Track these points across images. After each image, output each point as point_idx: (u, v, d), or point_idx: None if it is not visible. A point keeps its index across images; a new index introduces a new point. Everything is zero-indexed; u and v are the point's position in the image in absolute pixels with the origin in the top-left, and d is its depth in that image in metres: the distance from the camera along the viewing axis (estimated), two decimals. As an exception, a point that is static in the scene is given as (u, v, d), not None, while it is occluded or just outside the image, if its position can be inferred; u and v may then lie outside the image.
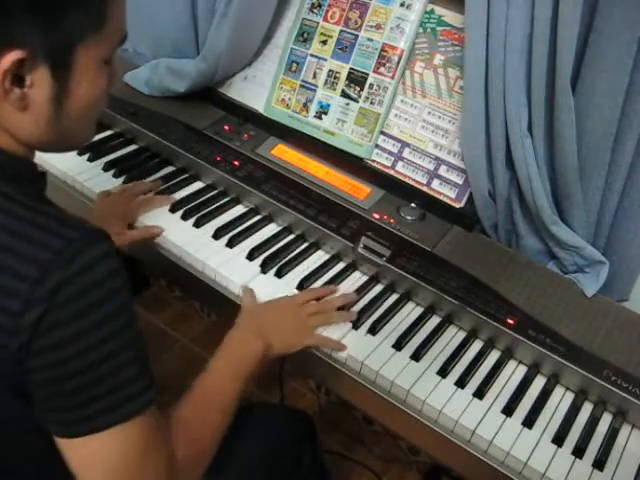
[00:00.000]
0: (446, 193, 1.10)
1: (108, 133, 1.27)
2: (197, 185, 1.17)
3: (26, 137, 0.62)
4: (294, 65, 1.24)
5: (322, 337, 0.90)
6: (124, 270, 0.59)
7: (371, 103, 1.16)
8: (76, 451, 0.60)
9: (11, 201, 0.57)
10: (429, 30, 1.12)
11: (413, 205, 1.10)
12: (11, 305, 0.54)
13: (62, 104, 0.61)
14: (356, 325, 0.93)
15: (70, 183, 1.14)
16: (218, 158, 1.16)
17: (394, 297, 1.00)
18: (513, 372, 0.92)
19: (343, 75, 1.18)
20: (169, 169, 1.20)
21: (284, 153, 1.19)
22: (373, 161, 1.17)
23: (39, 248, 0.54)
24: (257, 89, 1.28)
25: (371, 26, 1.16)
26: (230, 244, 1.04)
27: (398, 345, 0.91)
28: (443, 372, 0.89)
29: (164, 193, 1.13)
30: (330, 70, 1.20)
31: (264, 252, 1.03)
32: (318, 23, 1.21)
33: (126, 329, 0.59)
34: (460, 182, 1.09)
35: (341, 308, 0.94)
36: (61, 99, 0.61)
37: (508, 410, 0.85)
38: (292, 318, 0.91)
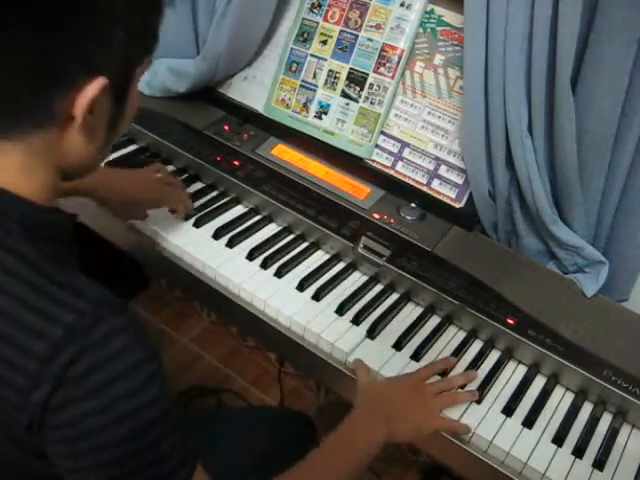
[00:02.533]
0: (446, 193, 1.10)
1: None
2: (197, 185, 1.17)
3: (71, 163, 0.60)
4: (294, 65, 1.24)
5: (450, 421, 0.82)
6: (147, 341, 0.55)
7: (371, 103, 1.16)
8: None
9: (28, 266, 0.54)
10: (429, 30, 1.12)
11: (413, 205, 1.10)
12: (19, 381, 0.51)
13: (116, 127, 0.60)
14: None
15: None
16: (218, 158, 1.16)
17: (394, 297, 1.00)
18: (513, 372, 0.92)
19: (343, 75, 1.18)
20: (169, 169, 1.20)
21: (284, 153, 1.19)
22: (373, 161, 1.17)
23: (50, 323, 0.51)
24: (257, 89, 1.28)
25: (371, 26, 1.16)
26: (230, 244, 1.04)
27: (398, 345, 0.91)
28: (443, 372, 0.88)
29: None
30: (330, 70, 1.20)
31: (264, 252, 1.03)
32: (318, 23, 1.21)
33: (151, 405, 0.54)
34: (460, 182, 1.09)
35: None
36: (116, 122, 0.60)
37: (508, 410, 0.85)
38: (417, 401, 0.82)
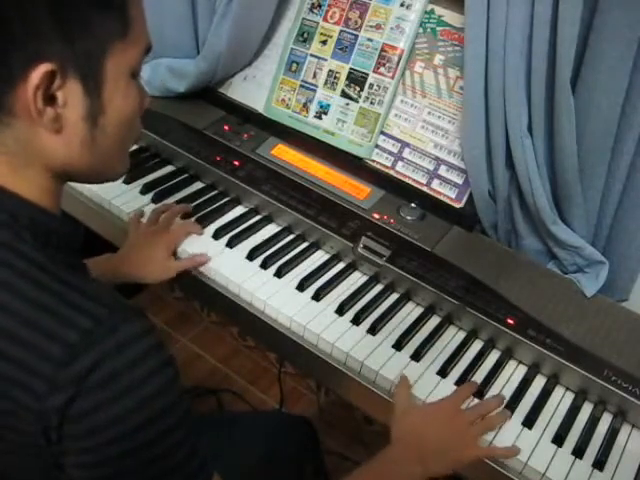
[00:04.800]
0: (446, 193, 1.10)
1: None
2: (197, 185, 1.17)
3: (59, 163, 0.58)
4: (294, 65, 1.24)
5: (489, 448, 0.81)
6: (164, 346, 0.55)
7: (371, 103, 1.16)
8: None
9: (40, 270, 0.53)
10: (429, 30, 1.12)
11: (413, 205, 1.10)
12: (34, 385, 0.50)
13: (97, 122, 0.58)
14: (357, 322, 0.94)
15: (70, 184, 1.14)
16: (218, 158, 1.16)
17: (394, 297, 1.00)
18: (513, 372, 0.92)
19: (343, 75, 1.18)
20: (169, 169, 1.20)
21: (284, 153, 1.19)
22: (373, 161, 1.17)
23: (67, 327, 0.50)
24: (257, 89, 1.28)
25: (371, 26, 1.16)
26: (230, 244, 1.04)
27: (398, 345, 0.91)
28: (443, 372, 0.89)
29: (163, 193, 1.13)
30: (330, 70, 1.20)
31: (264, 252, 1.03)
32: (318, 23, 1.21)
33: (171, 410, 0.54)
34: (460, 182, 1.09)
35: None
36: (95, 116, 0.57)
37: (508, 410, 0.85)
38: (454, 432, 0.80)
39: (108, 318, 0.52)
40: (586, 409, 0.88)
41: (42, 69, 0.52)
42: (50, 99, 0.54)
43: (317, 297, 0.97)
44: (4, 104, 0.53)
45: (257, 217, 1.11)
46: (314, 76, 1.21)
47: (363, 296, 0.99)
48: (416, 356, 0.90)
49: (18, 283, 0.52)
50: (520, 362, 0.93)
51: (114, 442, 0.51)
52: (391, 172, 1.15)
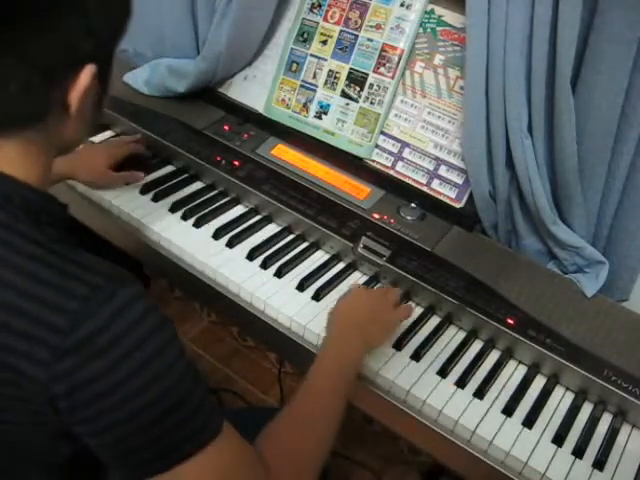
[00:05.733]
0: (446, 193, 1.10)
1: (108, 133, 1.27)
2: (197, 185, 1.17)
3: (63, 145, 0.63)
4: (294, 65, 1.24)
5: (399, 311, 0.91)
6: (157, 307, 0.57)
7: (371, 103, 1.16)
8: None
9: (38, 246, 0.55)
10: (429, 30, 1.12)
11: (413, 205, 1.10)
12: (41, 355, 0.51)
13: (101, 105, 0.63)
14: None
15: (70, 184, 1.14)
16: (218, 158, 1.16)
17: (394, 297, 1.00)
18: (513, 372, 0.92)
19: (343, 75, 1.18)
20: (169, 169, 1.20)
21: (284, 153, 1.19)
22: (373, 161, 1.17)
23: (67, 297, 0.52)
24: (257, 89, 1.28)
25: (371, 26, 1.16)
26: (230, 244, 1.04)
27: (398, 345, 0.91)
28: (443, 372, 0.89)
29: (163, 193, 1.13)
30: (330, 70, 1.20)
31: (264, 252, 1.03)
32: (318, 23, 1.21)
33: (176, 363, 0.56)
34: (460, 182, 1.09)
35: None
36: (102, 101, 0.62)
37: (508, 410, 0.85)
38: (375, 300, 0.90)
39: (105, 285, 0.54)
40: (586, 409, 0.88)
41: (90, 70, 0.56)
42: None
43: (317, 297, 0.97)
44: (49, 105, 0.57)
45: (257, 217, 1.11)
46: (314, 76, 1.21)
47: (363, 296, 0.99)
48: (416, 356, 0.90)
49: (18, 260, 0.54)
50: (520, 362, 0.93)
51: (121, 405, 0.53)
52: (391, 172, 1.15)
